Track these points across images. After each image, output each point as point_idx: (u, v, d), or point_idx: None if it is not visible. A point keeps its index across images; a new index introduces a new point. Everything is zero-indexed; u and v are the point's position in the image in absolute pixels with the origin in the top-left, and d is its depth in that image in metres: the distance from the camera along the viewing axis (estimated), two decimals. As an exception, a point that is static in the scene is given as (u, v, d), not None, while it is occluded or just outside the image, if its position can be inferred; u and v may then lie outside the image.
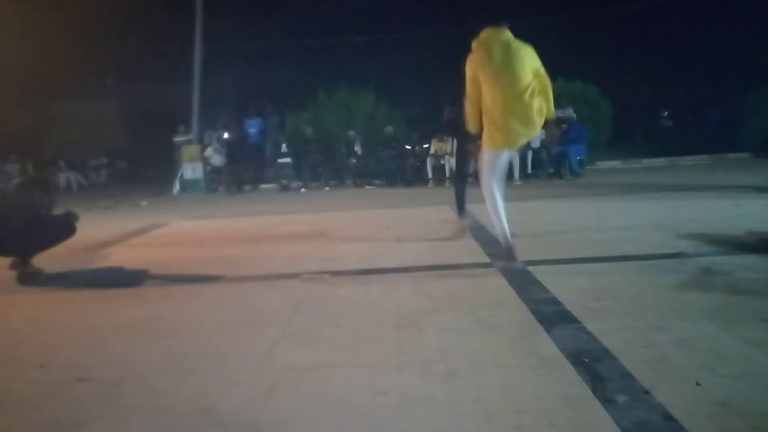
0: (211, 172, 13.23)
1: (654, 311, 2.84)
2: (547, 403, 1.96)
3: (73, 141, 15.39)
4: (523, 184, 10.45)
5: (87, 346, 2.85)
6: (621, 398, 1.94)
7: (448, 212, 6.05)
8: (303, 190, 12.27)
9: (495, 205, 4.04)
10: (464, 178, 5.61)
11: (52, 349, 2.83)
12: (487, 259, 4.23)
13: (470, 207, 5.69)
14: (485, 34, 3.93)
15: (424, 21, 18.24)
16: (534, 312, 2.91)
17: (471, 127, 4.10)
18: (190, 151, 13.40)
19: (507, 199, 4.31)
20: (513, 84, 3.80)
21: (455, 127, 5.45)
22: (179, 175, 13.47)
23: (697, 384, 2.02)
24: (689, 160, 13.69)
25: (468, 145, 4.75)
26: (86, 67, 15.24)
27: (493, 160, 4.01)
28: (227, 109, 14.31)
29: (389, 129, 12.79)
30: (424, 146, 12.29)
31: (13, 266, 4.41)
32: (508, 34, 3.93)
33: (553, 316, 2.84)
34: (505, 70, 3.81)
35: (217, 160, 12.97)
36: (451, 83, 4.86)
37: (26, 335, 3.10)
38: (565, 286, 3.32)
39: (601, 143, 13.61)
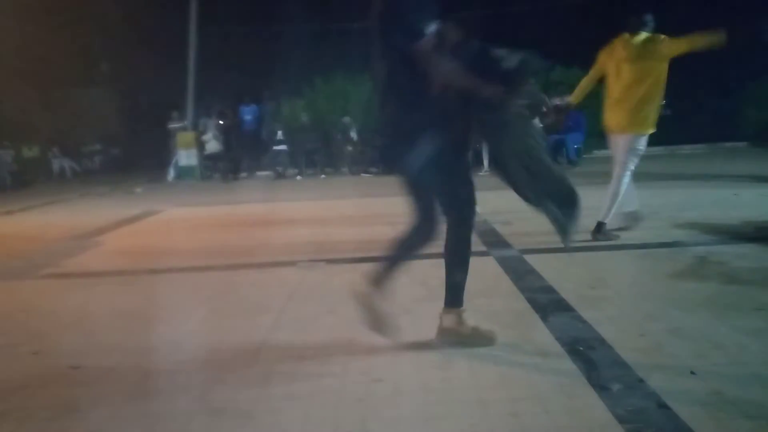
0: (207, 159, 13.14)
1: (649, 300, 2.85)
2: (542, 390, 1.96)
3: (67, 127, 15.28)
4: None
5: (81, 333, 2.84)
6: (615, 386, 1.95)
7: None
8: (299, 177, 12.21)
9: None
10: None
11: (46, 336, 2.82)
12: (483, 248, 4.22)
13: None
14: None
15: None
16: (530, 300, 2.91)
17: None
18: (184, 137, 13.30)
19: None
20: None
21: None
22: (174, 161, 13.39)
23: (692, 372, 2.02)
24: (687, 149, 13.68)
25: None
26: (80, 53, 15.06)
27: None
28: (222, 95, 14.17)
29: (386, 116, 12.70)
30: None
31: None
32: None
33: (548, 304, 2.84)
34: None
35: (213, 146, 12.88)
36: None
37: (20, 322, 3.09)
38: (561, 275, 3.32)
39: (599, 131, 13.53)
